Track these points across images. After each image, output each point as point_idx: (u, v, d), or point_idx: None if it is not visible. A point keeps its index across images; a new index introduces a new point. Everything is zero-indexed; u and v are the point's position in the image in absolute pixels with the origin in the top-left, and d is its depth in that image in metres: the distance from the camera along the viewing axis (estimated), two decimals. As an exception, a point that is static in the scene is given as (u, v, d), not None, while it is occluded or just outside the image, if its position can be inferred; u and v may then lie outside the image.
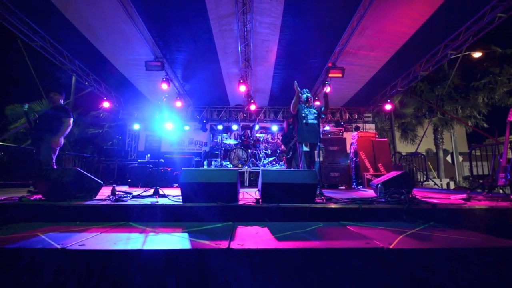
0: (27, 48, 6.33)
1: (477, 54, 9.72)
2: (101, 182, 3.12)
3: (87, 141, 11.89)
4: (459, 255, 1.65)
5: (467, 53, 9.01)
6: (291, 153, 5.66)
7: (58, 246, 1.62)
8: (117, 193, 2.95)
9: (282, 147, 5.87)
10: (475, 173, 5.88)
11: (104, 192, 3.28)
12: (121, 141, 11.46)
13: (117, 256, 1.57)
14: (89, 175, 3.01)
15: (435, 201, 2.96)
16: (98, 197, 3.03)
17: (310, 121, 4.11)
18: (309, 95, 4.24)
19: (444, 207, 2.59)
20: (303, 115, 4.17)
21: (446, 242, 1.83)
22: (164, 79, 6.70)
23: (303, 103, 4.25)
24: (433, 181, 10.11)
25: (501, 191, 4.45)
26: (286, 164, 6.08)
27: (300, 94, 4.07)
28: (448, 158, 18.62)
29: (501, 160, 3.73)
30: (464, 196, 3.31)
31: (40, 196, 2.93)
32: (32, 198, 2.84)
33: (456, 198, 3.26)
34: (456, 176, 16.17)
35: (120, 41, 5.79)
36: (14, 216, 2.46)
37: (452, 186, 13.39)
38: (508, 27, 11.44)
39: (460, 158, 18.03)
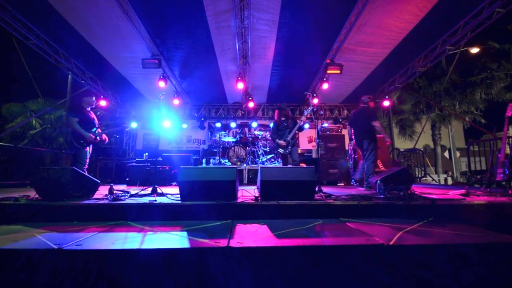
0: (23, 47, 6.22)
1: (474, 50, 9.71)
2: (98, 181, 3.10)
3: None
4: (460, 251, 1.65)
5: (465, 48, 9.01)
6: (289, 148, 4.99)
7: (55, 246, 1.60)
8: (114, 192, 2.92)
9: (280, 141, 5.04)
10: (472, 168, 5.89)
11: (102, 191, 3.26)
12: (118, 139, 11.38)
13: (114, 255, 1.56)
14: (86, 174, 2.98)
15: (434, 196, 2.96)
16: (95, 196, 3.01)
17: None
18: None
19: (443, 202, 2.59)
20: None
21: (446, 238, 1.83)
22: (161, 77, 6.64)
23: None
24: (431, 177, 10.17)
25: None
26: (282, 161, 5.31)
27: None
28: (446, 153, 18.72)
29: (499, 155, 3.74)
30: (463, 191, 3.32)
31: (37, 196, 2.90)
32: (29, 198, 2.81)
33: (455, 194, 3.27)
34: (454, 171, 16.26)
35: (116, 38, 5.72)
36: (10, 216, 2.43)
37: (449, 181, 13.48)
38: (506, 23, 11.43)
39: (458, 154, 18.12)
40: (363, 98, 4.84)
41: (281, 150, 4.98)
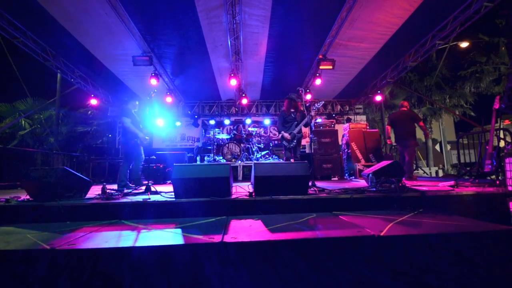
0: (10, 45, 6.05)
1: (464, 44, 9.86)
2: (90, 181, 3.07)
3: (76, 140, 11.62)
4: (448, 240, 1.70)
5: (454, 43, 9.14)
6: (295, 141, 4.66)
7: (48, 247, 1.59)
8: (107, 191, 2.90)
9: (286, 134, 4.68)
10: (462, 161, 6.03)
11: (95, 191, 3.23)
12: (111, 138, 11.24)
13: (108, 254, 1.55)
14: (77, 173, 2.95)
15: (424, 188, 3.03)
16: (88, 195, 2.98)
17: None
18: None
19: (433, 194, 2.66)
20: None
21: (435, 227, 1.88)
22: (153, 75, 6.55)
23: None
24: (422, 170, 10.36)
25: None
26: (285, 155, 4.94)
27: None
28: (437, 147, 19.06)
29: (487, 147, 3.84)
30: (452, 183, 3.40)
31: (28, 197, 2.85)
32: (19, 199, 2.77)
33: (445, 185, 3.34)
34: (445, 164, 16.59)
35: (105, 35, 5.60)
36: (1, 218, 2.40)
37: (440, 174, 13.74)
38: (494, 17, 11.61)
39: (448, 147, 18.48)
40: (403, 103, 5.55)
41: (285, 143, 4.74)
